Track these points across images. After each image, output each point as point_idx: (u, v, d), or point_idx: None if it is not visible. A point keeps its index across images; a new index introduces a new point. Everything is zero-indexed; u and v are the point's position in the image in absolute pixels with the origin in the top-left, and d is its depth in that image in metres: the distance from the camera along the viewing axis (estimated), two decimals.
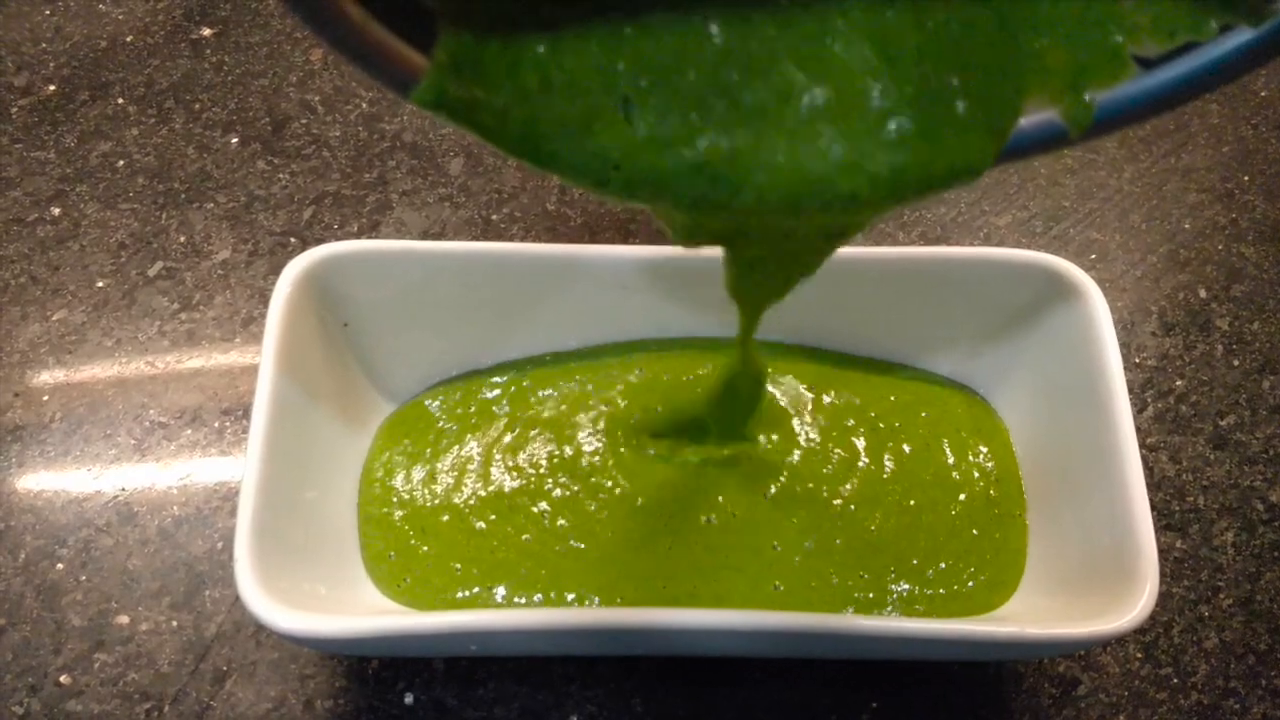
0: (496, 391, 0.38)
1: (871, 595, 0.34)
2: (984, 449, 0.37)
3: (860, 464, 0.37)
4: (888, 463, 0.37)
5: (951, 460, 0.37)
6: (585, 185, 0.18)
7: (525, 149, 0.17)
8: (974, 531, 0.35)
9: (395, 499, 0.36)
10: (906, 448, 0.37)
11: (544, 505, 0.36)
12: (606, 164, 0.17)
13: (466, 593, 0.34)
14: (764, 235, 0.22)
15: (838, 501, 0.36)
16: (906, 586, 0.34)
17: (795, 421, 0.38)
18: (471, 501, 0.36)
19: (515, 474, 0.36)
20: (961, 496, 0.36)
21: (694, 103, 0.17)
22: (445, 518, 0.35)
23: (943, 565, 0.35)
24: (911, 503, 0.36)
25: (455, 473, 0.36)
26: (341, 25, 0.16)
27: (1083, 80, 0.18)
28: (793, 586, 0.34)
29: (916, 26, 0.17)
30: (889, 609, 0.34)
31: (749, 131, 0.17)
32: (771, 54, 0.17)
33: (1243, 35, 0.17)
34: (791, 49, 0.17)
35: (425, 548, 0.35)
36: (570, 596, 0.34)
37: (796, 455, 0.37)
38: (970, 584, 0.34)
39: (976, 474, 0.37)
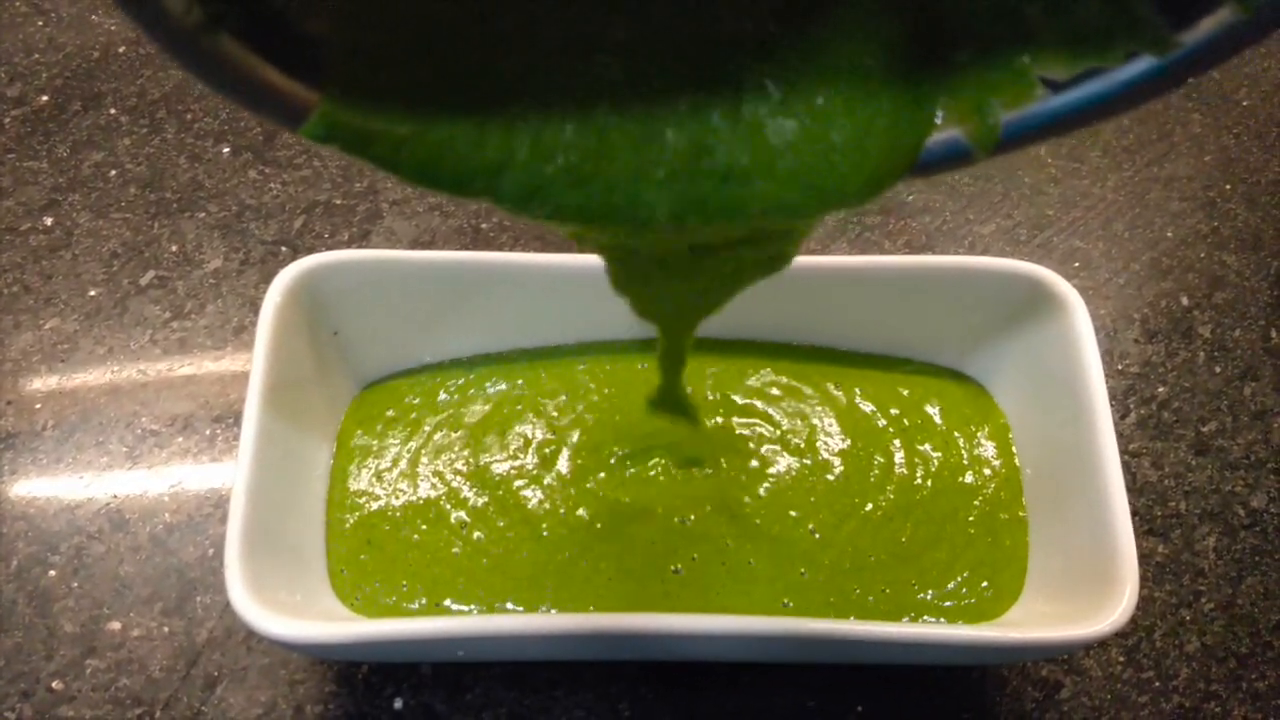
0: (449, 393, 0.38)
1: (883, 608, 0.34)
2: (991, 443, 0.37)
3: (897, 470, 0.37)
4: (918, 466, 0.37)
5: (966, 459, 0.37)
6: (492, 205, 0.18)
7: (424, 178, 0.18)
8: (989, 540, 0.35)
9: (348, 503, 0.35)
10: (928, 446, 0.37)
11: (462, 514, 0.35)
12: (502, 183, 0.18)
13: (415, 605, 0.33)
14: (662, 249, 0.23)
15: (880, 514, 0.36)
16: (923, 598, 0.34)
17: (817, 424, 0.37)
18: (408, 510, 0.35)
19: (438, 481, 0.36)
20: (976, 502, 0.36)
21: (586, 127, 0.17)
22: (386, 527, 0.35)
23: (960, 577, 0.34)
24: (937, 511, 0.36)
25: (394, 478, 0.36)
26: (226, 68, 0.16)
27: (989, 102, 0.18)
28: (802, 605, 0.34)
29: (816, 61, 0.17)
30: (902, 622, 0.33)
31: (643, 153, 0.17)
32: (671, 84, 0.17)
33: (1147, 62, 0.17)
34: (695, 98, 0.17)
35: (372, 563, 0.34)
36: (520, 610, 0.33)
37: (839, 465, 0.36)
38: (973, 599, 0.34)
39: (988, 471, 0.37)
